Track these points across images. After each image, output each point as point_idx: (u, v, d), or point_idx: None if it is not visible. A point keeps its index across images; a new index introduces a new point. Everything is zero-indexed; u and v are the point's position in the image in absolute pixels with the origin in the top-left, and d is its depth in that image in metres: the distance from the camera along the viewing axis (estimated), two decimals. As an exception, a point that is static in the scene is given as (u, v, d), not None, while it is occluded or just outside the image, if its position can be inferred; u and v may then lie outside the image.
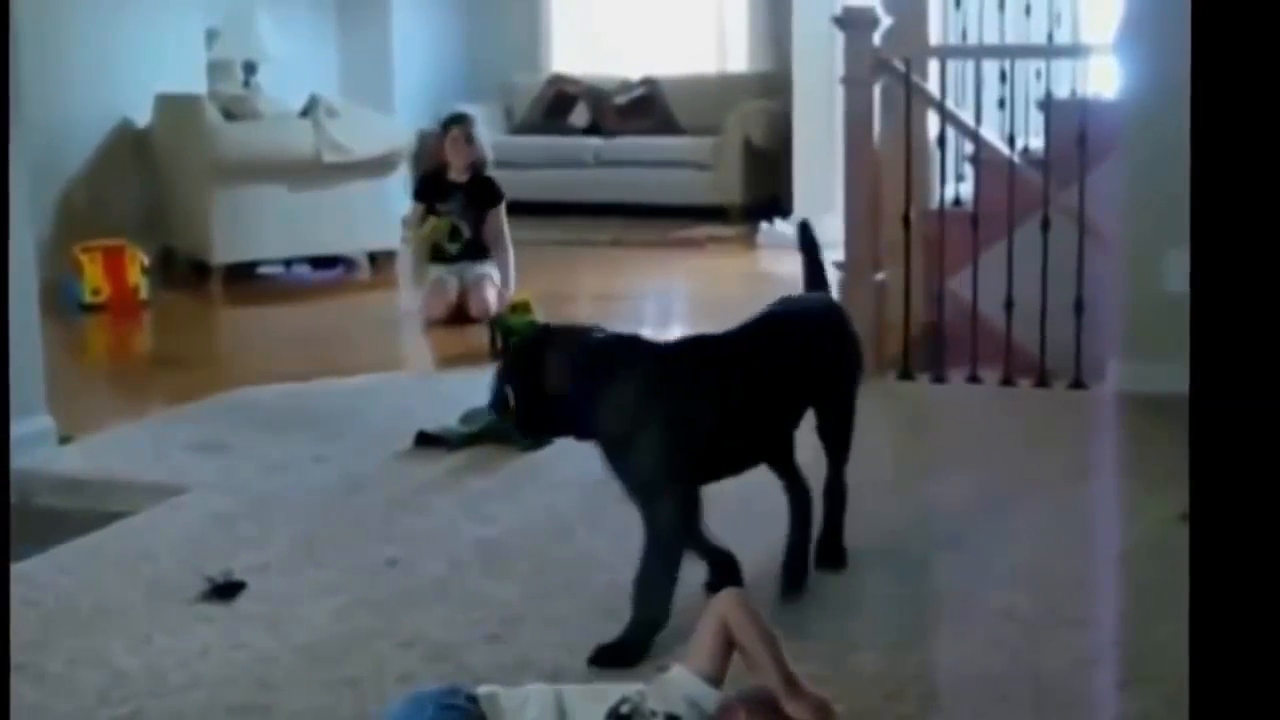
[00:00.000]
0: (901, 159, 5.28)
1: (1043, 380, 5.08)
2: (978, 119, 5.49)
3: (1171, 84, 3.70)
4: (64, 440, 4.45)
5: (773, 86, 9.95)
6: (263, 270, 8.04)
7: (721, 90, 10.23)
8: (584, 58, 10.97)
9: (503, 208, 6.86)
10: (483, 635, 2.98)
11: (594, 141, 10.35)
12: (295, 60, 9.09)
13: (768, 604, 2.94)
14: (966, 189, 6.09)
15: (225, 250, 7.73)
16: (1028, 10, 6.80)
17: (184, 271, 8.00)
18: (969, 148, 6.01)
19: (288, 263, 8.14)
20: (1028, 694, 2.71)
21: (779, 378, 3.07)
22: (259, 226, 7.80)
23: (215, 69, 8.74)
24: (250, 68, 8.84)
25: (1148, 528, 3.50)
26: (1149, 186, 4.74)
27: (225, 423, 4.70)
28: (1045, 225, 5.11)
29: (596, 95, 10.62)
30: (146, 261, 7.29)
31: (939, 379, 5.21)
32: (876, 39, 5.34)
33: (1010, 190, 5.26)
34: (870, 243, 5.39)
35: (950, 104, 5.58)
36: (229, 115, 7.85)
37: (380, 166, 8.20)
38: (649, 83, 10.55)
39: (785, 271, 8.15)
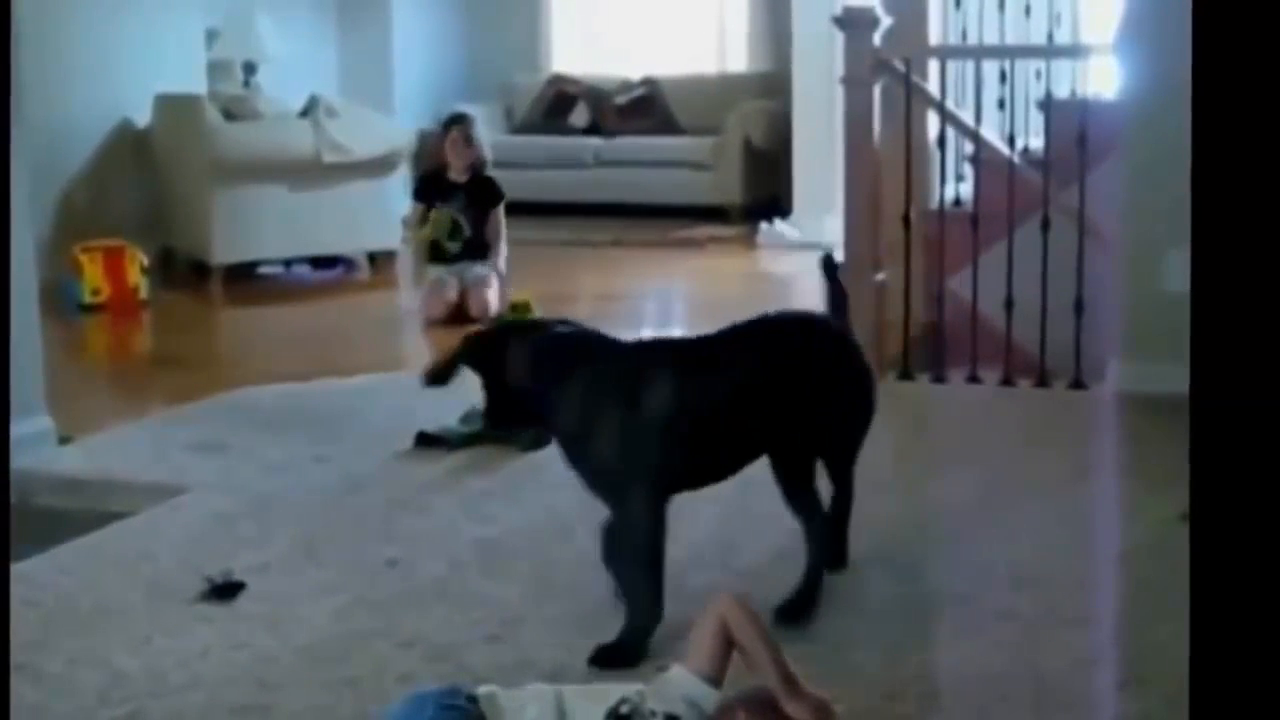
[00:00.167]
0: (901, 159, 5.28)
1: (1043, 380, 5.08)
2: (978, 119, 5.49)
3: (1171, 84, 3.70)
4: (64, 440, 4.45)
5: (773, 86, 9.95)
6: (263, 270, 8.04)
7: (721, 90, 10.23)
8: (584, 58, 10.97)
9: (502, 208, 6.86)
10: (483, 635, 2.98)
11: (594, 141, 10.36)
12: (295, 60, 9.09)
13: (766, 605, 2.94)
14: (966, 189, 6.10)
15: (225, 250, 7.73)
16: (1028, 10, 6.80)
17: (184, 271, 8.00)
18: (969, 148, 6.01)
19: (288, 263, 8.13)
20: (1028, 694, 2.71)
21: (747, 388, 2.93)
22: (259, 226, 7.80)
23: (215, 69, 8.74)
24: (250, 68, 8.84)
25: (1148, 528, 3.50)
26: (1149, 186, 4.74)
27: (225, 423, 4.70)
28: (1045, 225, 5.12)
29: (596, 95, 10.62)
30: (146, 261, 7.29)
31: (939, 379, 5.21)
32: (876, 39, 5.35)
33: (1010, 190, 5.26)
34: (870, 243, 5.40)
35: (950, 104, 5.59)
36: (229, 115, 7.85)
37: (380, 166, 8.20)
38: (649, 83, 10.55)
39: (785, 272, 8.22)
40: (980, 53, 5.97)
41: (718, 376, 2.93)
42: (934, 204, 5.57)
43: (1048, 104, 5.98)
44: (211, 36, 8.71)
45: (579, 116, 10.61)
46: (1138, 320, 4.83)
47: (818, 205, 8.59)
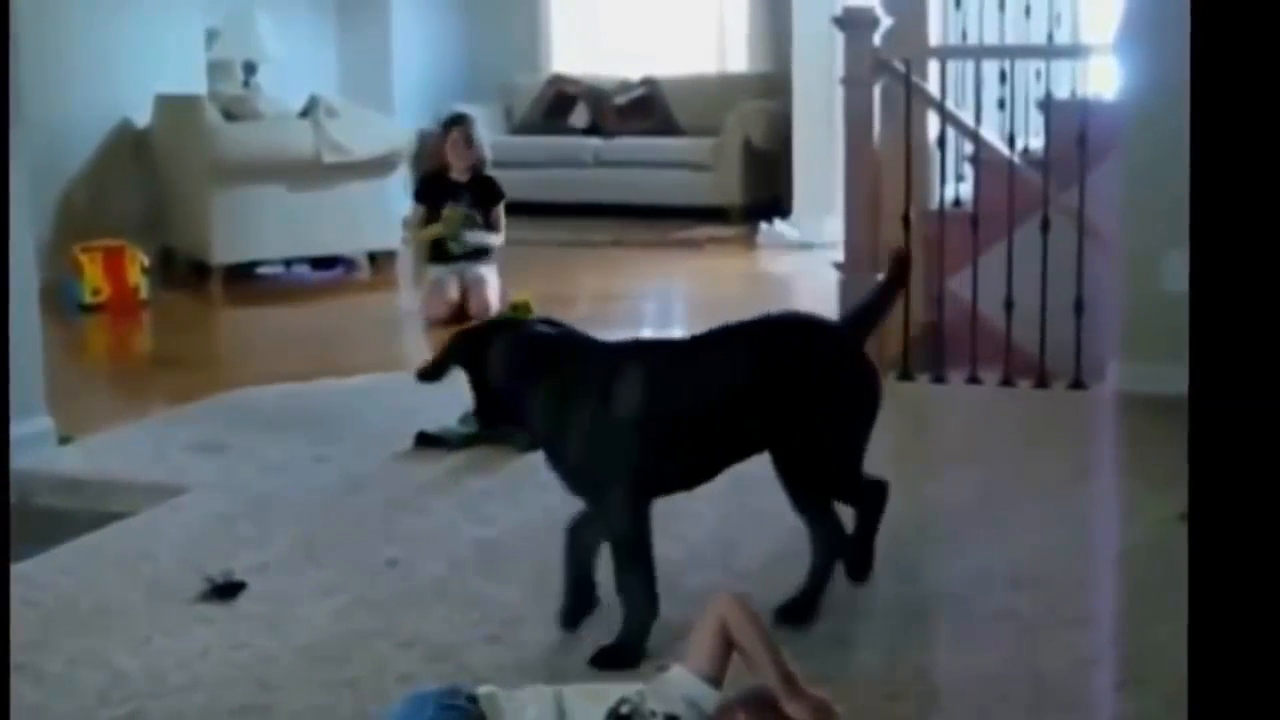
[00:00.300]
0: (901, 159, 5.28)
1: (1042, 380, 5.08)
2: (978, 119, 5.49)
3: (1171, 84, 3.70)
4: (64, 440, 4.45)
5: (773, 87, 9.95)
6: (263, 270, 8.04)
7: (721, 90, 10.22)
8: (584, 58, 10.97)
9: (502, 205, 6.87)
10: (483, 635, 2.98)
11: (594, 142, 10.36)
12: (295, 60, 9.09)
13: (766, 606, 2.94)
14: (966, 189, 6.09)
15: (225, 250, 7.73)
16: (1028, 11, 6.80)
17: (184, 272, 8.00)
18: (969, 148, 6.01)
19: (288, 263, 8.13)
20: (1028, 694, 2.71)
21: (726, 390, 2.87)
22: (259, 226, 7.81)
23: (215, 69, 8.74)
24: (250, 68, 8.84)
25: (1147, 528, 3.50)
26: (1149, 187, 4.74)
27: (225, 423, 4.70)
28: (1045, 226, 5.12)
29: (596, 95, 10.62)
30: (146, 262, 7.29)
31: (939, 379, 5.21)
32: (876, 39, 5.35)
33: (1010, 191, 5.26)
34: (870, 243, 5.40)
35: (950, 104, 5.59)
36: (229, 115, 7.85)
37: (380, 167, 8.20)
38: (649, 83, 10.55)
39: (785, 272, 8.22)
40: (980, 53, 5.97)
41: (692, 378, 2.88)
42: (934, 204, 5.57)
43: (1048, 104, 5.98)
44: (211, 36, 8.71)
45: (579, 117, 10.61)
46: (1137, 320, 4.83)
47: (818, 206, 8.60)
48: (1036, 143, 6.22)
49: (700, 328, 3.14)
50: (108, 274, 7.14)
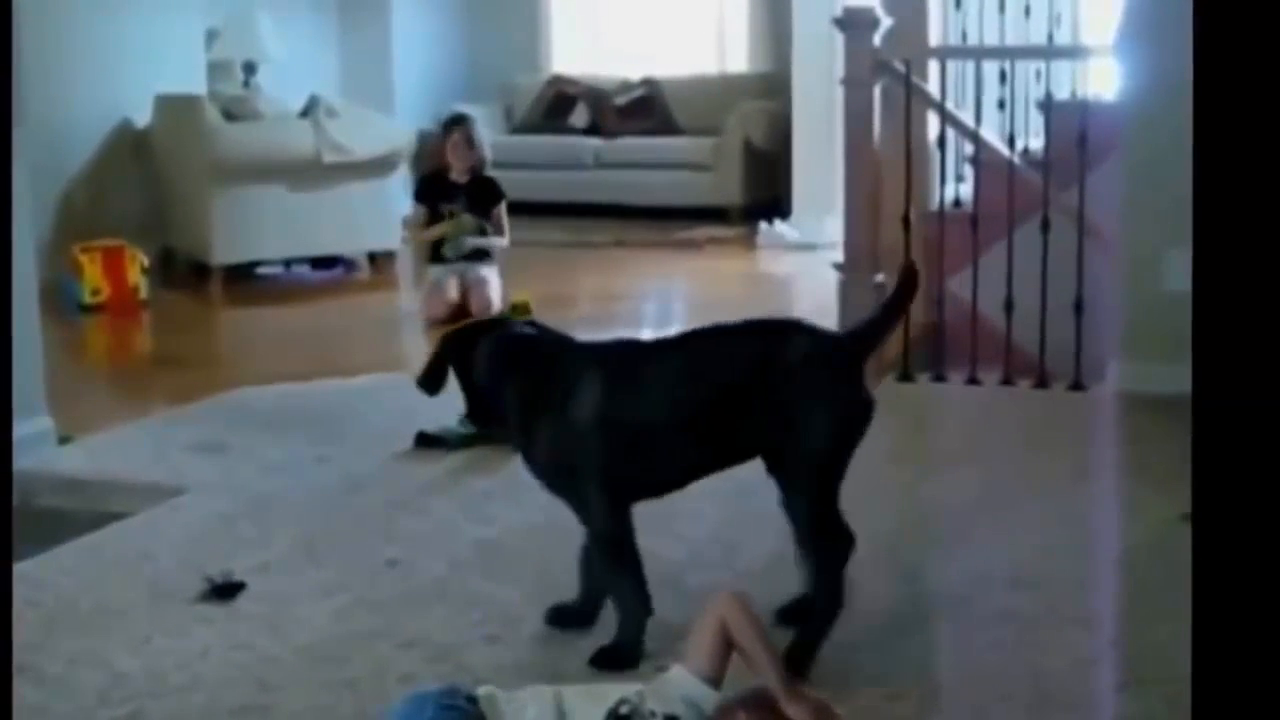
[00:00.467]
0: (901, 160, 5.28)
1: (1042, 381, 5.08)
2: (978, 120, 5.49)
3: (1171, 85, 3.71)
4: (63, 441, 4.45)
5: (773, 87, 9.95)
6: (263, 270, 8.04)
7: (721, 91, 10.22)
8: (584, 58, 10.97)
9: (504, 205, 6.87)
10: (483, 636, 2.98)
11: (594, 142, 10.35)
12: (295, 60, 9.09)
13: (766, 606, 2.94)
14: (966, 190, 6.09)
15: (225, 250, 7.73)
16: (1028, 11, 6.80)
17: (184, 272, 8.00)
18: (969, 149, 6.01)
19: (288, 263, 8.13)
20: (1028, 694, 2.71)
21: (690, 393, 2.77)
22: (259, 227, 7.80)
23: (215, 69, 8.74)
24: (250, 68, 8.84)
25: (1148, 528, 3.50)
26: (1149, 187, 4.74)
27: (225, 423, 4.70)
28: (1045, 226, 5.12)
29: (596, 96, 10.62)
30: (146, 262, 7.29)
31: (939, 379, 5.21)
32: (877, 40, 5.35)
33: (1010, 191, 5.26)
34: (870, 243, 5.40)
35: (950, 105, 5.58)
36: (229, 116, 7.85)
37: (380, 167, 8.20)
38: (649, 83, 10.55)
39: (784, 272, 8.22)
40: (980, 53, 5.97)
41: (658, 380, 2.81)
42: (934, 205, 5.57)
43: (1048, 105, 5.98)
44: (211, 36, 8.71)
45: (579, 117, 10.61)
46: (1137, 320, 4.84)
47: (818, 206, 8.59)
48: (1036, 143, 6.22)
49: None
50: (107, 274, 7.14)
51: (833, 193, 6.92)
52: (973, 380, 5.15)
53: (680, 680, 2.35)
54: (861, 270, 5.34)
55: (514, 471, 4.06)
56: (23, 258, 4.14)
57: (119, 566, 3.43)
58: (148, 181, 8.09)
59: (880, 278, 5.37)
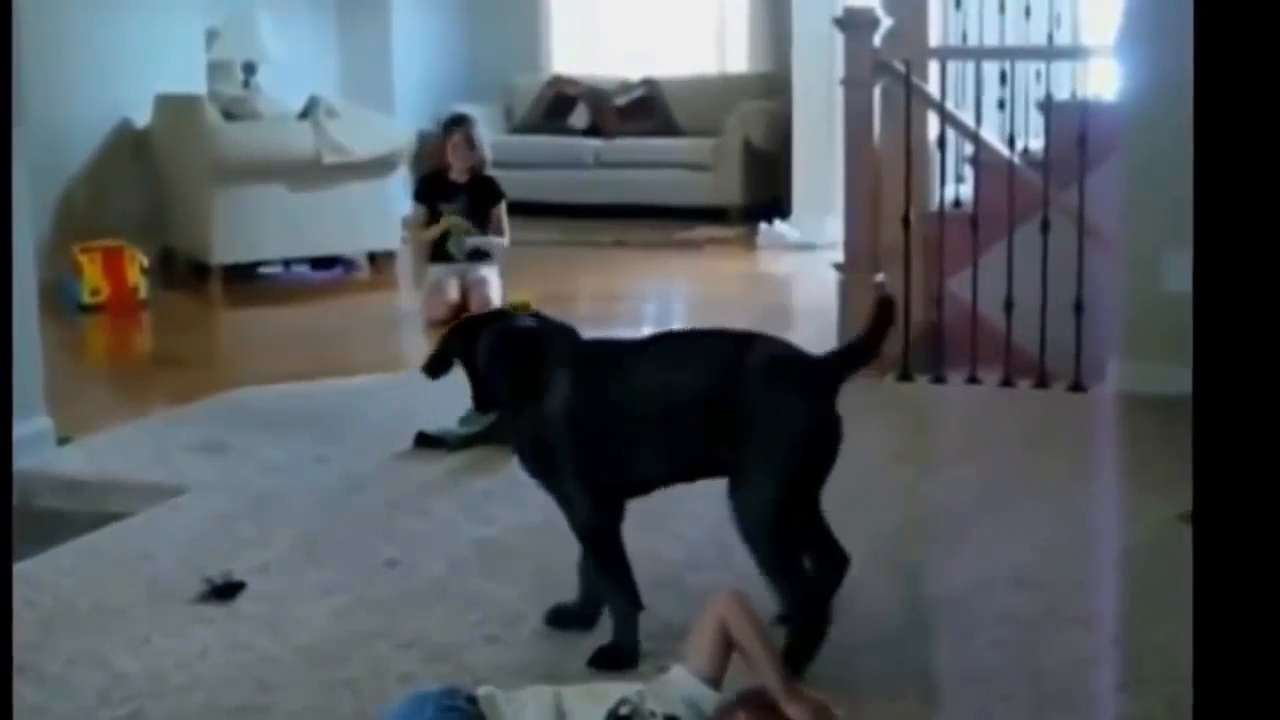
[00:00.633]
0: (901, 160, 5.28)
1: (1042, 381, 5.08)
2: (978, 120, 5.49)
3: (1171, 85, 3.71)
4: (63, 441, 4.45)
5: (773, 87, 9.95)
6: (263, 270, 8.04)
7: (721, 91, 10.22)
8: (584, 58, 10.97)
9: (504, 205, 6.88)
10: (483, 636, 2.98)
11: (594, 142, 10.35)
12: (295, 61, 9.09)
13: (766, 607, 2.93)
14: (966, 190, 6.10)
15: (225, 250, 7.73)
16: (1028, 12, 6.80)
17: (184, 272, 8.00)
18: (969, 149, 6.01)
19: (288, 263, 8.13)
20: (1028, 694, 2.71)
21: (650, 396, 2.75)
22: (259, 227, 7.80)
23: (215, 69, 8.74)
24: (250, 68, 8.84)
25: (1148, 528, 3.50)
26: (1149, 187, 4.74)
27: (225, 423, 4.70)
28: (1045, 226, 5.12)
29: (596, 96, 10.62)
30: (146, 262, 7.29)
31: (939, 379, 5.21)
32: (877, 40, 5.35)
33: (1010, 191, 5.26)
34: (870, 244, 5.40)
35: (950, 105, 5.58)
36: (229, 116, 7.85)
37: (380, 167, 8.20)
38: (649, 83, 10.55)
39: (784, 273, 8.22)
40: (980, 54, 5.97)
41: (620, 378, 2.80)
42: (934, 205, 5.57)
43: (1048, 105, 5.98)
44: (211, 36, 8.71)
45: (579, 117, 10.61)
46: (1137, 320, 4.84)
47: (818, 206, 8.60)
48: (1036, 143, 6.22)
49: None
50: (107, 274, 7.14)
51: (833, 193, 6.92)
52: (973, 380, 5.16)
53: (680, 680, 2.35)
54: (862, 270, 5.34)
55: (514, 471, 4.06)
56: (22, 258, 4.14)
57: (118, 567, 3.43)
58: (148, 181, 8.09)
59: (880, 277, 5.37)
